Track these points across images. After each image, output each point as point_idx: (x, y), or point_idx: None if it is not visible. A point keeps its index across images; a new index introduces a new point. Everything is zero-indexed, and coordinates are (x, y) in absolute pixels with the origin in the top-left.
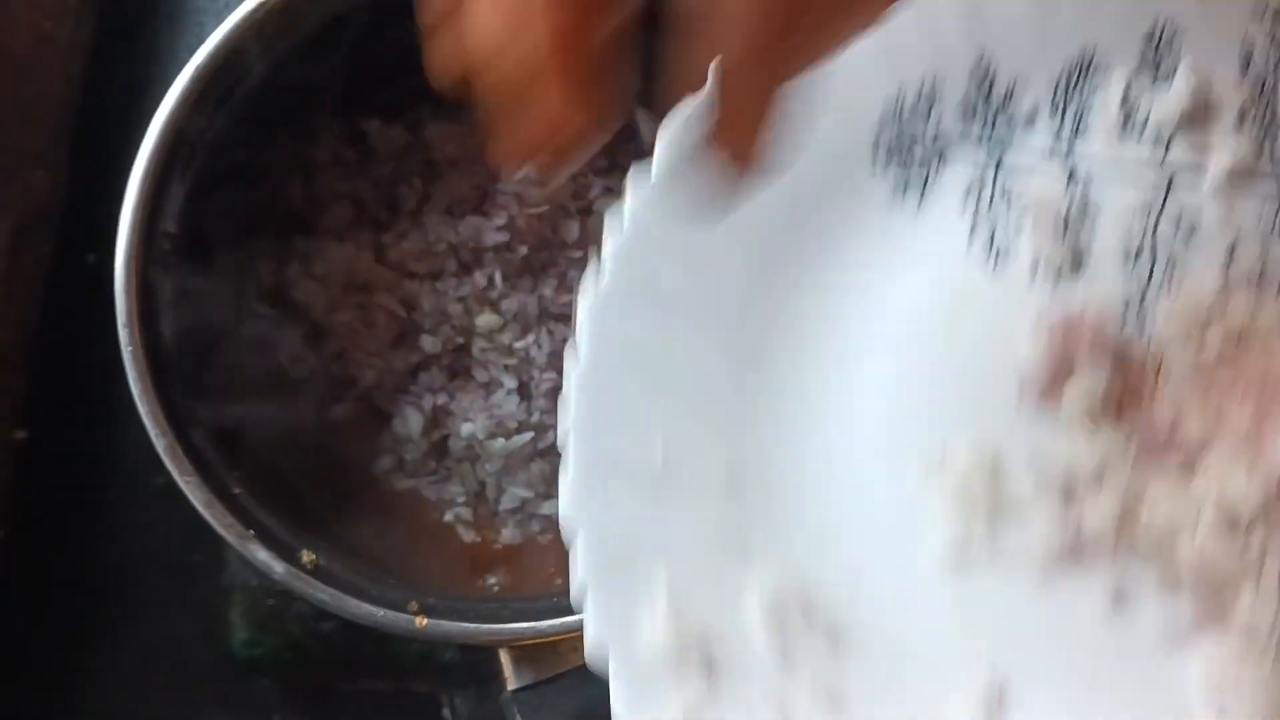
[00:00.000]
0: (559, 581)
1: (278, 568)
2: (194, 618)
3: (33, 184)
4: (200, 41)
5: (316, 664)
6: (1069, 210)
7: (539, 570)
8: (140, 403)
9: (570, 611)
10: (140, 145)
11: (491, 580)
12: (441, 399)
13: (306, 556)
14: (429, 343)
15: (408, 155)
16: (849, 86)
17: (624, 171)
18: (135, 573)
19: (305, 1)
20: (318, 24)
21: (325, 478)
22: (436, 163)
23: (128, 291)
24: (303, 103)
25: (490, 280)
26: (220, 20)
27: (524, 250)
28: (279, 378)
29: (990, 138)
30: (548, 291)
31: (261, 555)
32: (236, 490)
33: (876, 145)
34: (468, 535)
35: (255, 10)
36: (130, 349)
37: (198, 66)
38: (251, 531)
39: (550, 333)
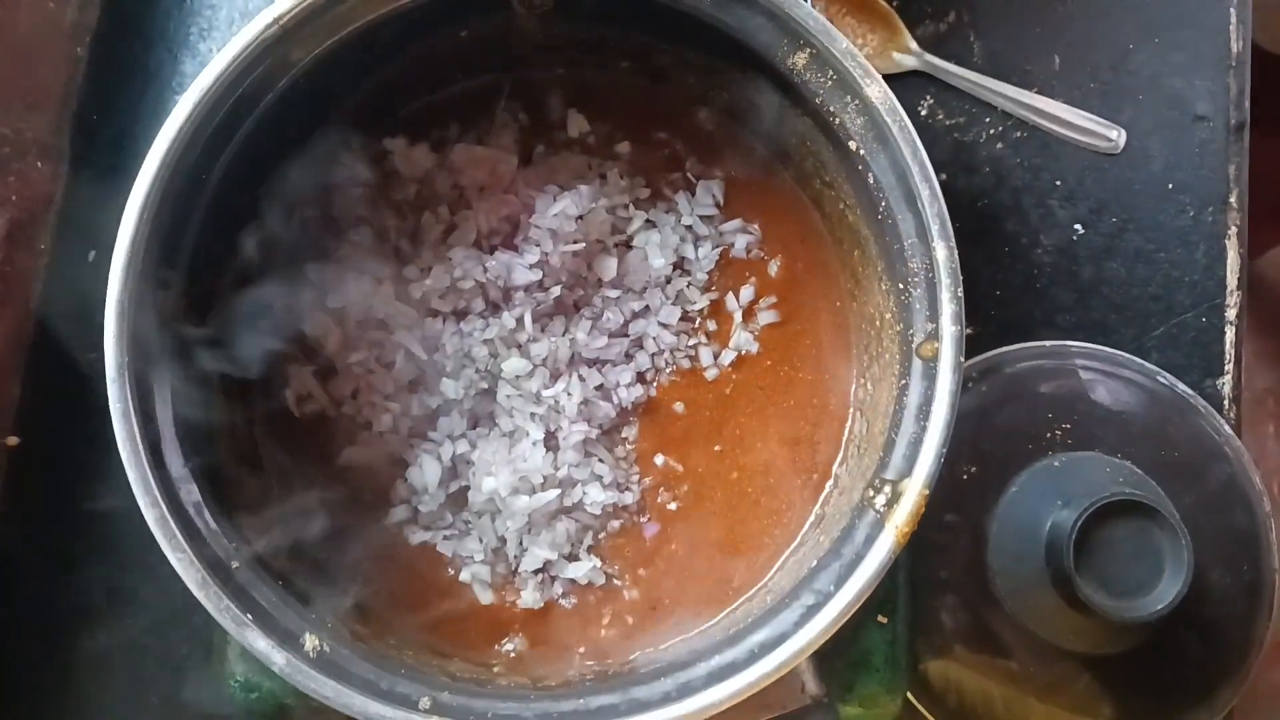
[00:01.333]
0: (581, 651)
1: (278, 659)
2: (189, 638)
3: (31, 175)
4: (211, 25)
5: (319, 709)
6: None
7: (559, 637)
8: (129, 467)
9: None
10: (147, 139)
11: (509, 646)
12: (462, 448)
13: (310, 642)
14: (450, 387)
15: (433, 179)
16: None
17: (668, 202)
18: (129, 589)
19: (322, 16)
20: (337, 39)
21: (333, 528)
22: (464, 190)
23: (119, 339)
24: (320, 119)
25: (519, 322)
26: (233, 4)
27: (557, 290)
28: (285, 418)
29: None
30: (580, 335)
31: (260, 644)
32: (234, 565)
33: None
34: (485, 596)
35: (269, 25)
36: (120, 405)
37: (204, 89)
38: (249, 617)
39: (582, 379)
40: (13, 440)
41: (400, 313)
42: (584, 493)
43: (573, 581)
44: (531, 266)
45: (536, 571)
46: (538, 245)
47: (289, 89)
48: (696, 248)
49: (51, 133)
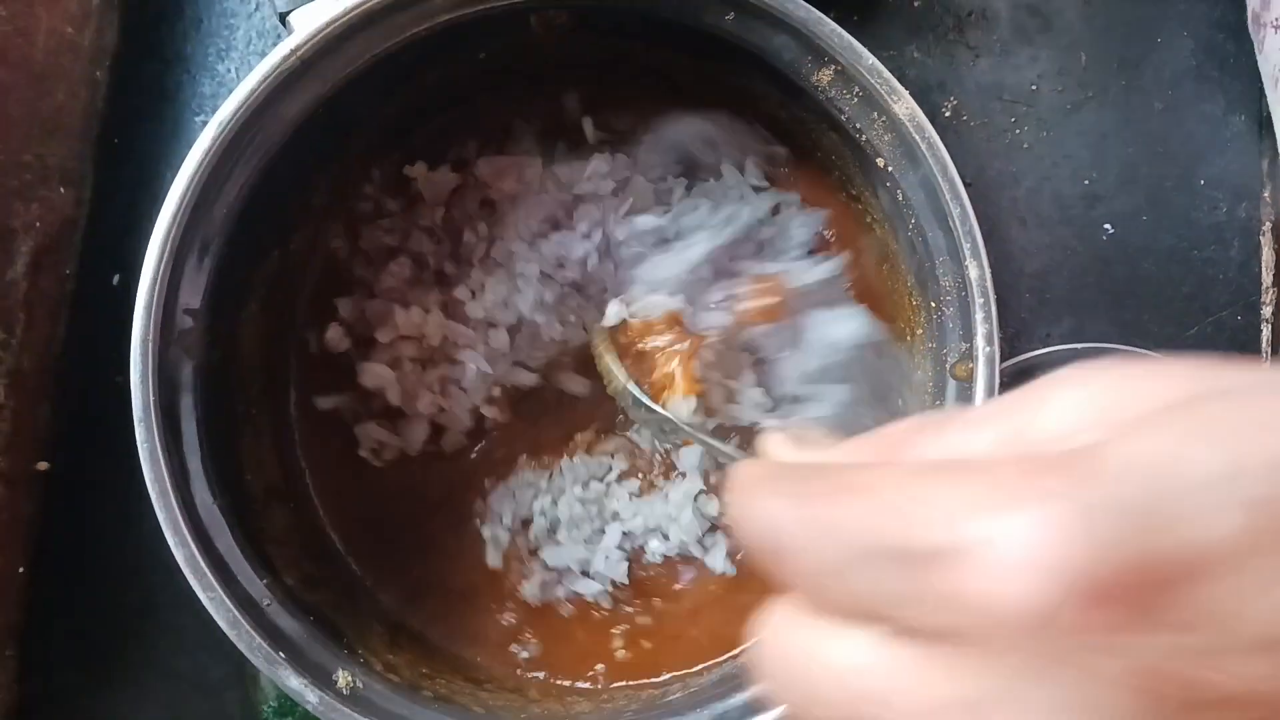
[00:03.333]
0: (599, 668)
1: (311, 697)
2: (222, 661)
3: (54, 201)
4: (229, 46)
5: None
6: None
7: (570, 646)
8: (158, 507)
9: None
10: (168, 162)
11: (523, 654)
12: None
13: (343, 679)
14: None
15: (462, 198)
16: None
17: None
18: (161, 613)
19: (341, 46)
20: (355, 67)
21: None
22: (495, 202)
23: (145, 381)
24: (340, 146)
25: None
26: (250, 23)
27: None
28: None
29: None
30: None
31: (293, 683)
32: (266, 602)
33: None
34: (494, 558)
35: (287, 57)
36: (148, 445)
37: (222, 123)
38: (282, 655)
39: None
40: (43, 465)
41: (458, 333)
42: (646, 540)
43: (578, 595)
44: (585, 236)
45: (548, 569)
46: (585, 220)
47: (308, 119)
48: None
49: (73, 158)
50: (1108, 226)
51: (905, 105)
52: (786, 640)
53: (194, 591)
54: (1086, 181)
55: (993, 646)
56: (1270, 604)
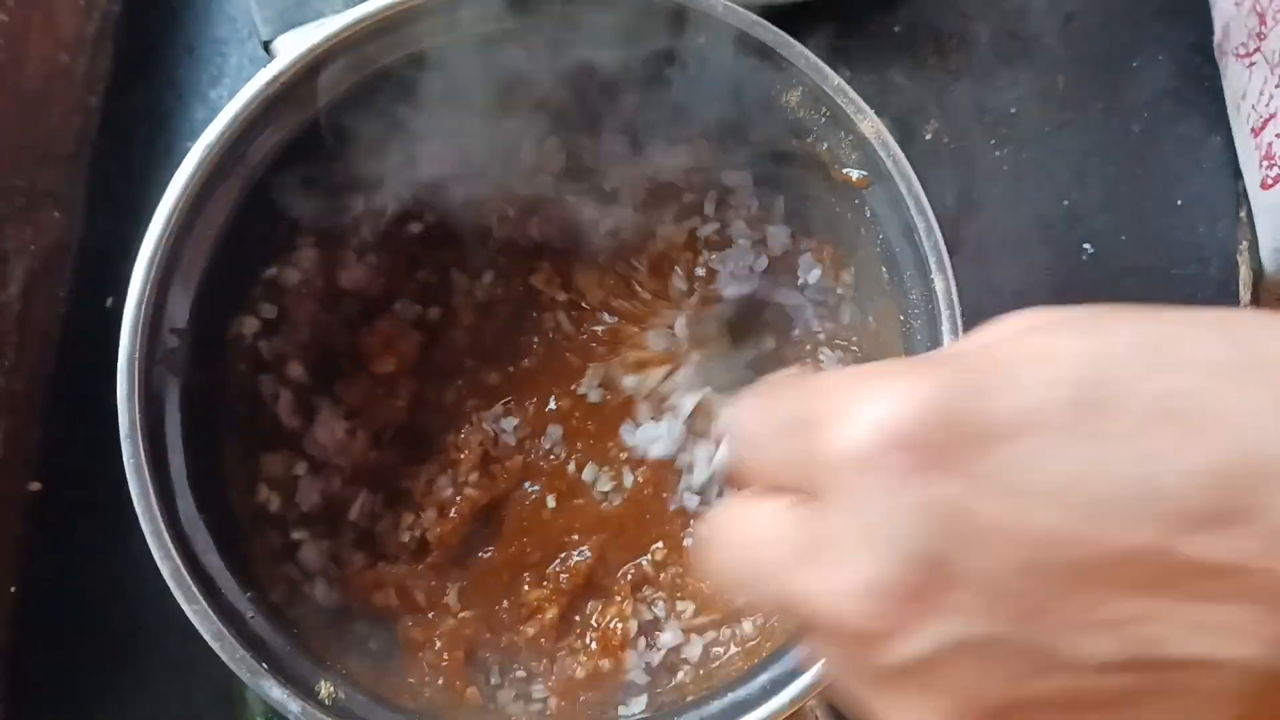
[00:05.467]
0: None
1: (294, 707)
2: (208, 681)
3: (46, 225)
4: (221, 73)
5: None
6: None
7: None
8: (144, 521)
9: None
10: (160, 186)
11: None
12: None
13: (324, 690)
14: None
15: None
16: None
17: None
18: (148, 632)
19: (320, 74)
20: (335, 94)
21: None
22: None
23: (131, 399)
24: (324, 172)
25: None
26: (242, 50)
27: None
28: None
29: None
30: None
31: (276, 694)
32: (249, 615)
33: None
34: None
35: (270, 83)
36: (134, 461)
37: (208, 146)
38: (264, 666)
39: None
40: (35, 486)
41: None
42: None
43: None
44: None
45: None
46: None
47: (289, 146)
48: None
49: (67, 183)
50: (1088, 246)
51: (870, 123)
52: (726, 513)
53: (179, 612)
54: (1066, 202)
55: (833, 495)
56: (1058, 465)
